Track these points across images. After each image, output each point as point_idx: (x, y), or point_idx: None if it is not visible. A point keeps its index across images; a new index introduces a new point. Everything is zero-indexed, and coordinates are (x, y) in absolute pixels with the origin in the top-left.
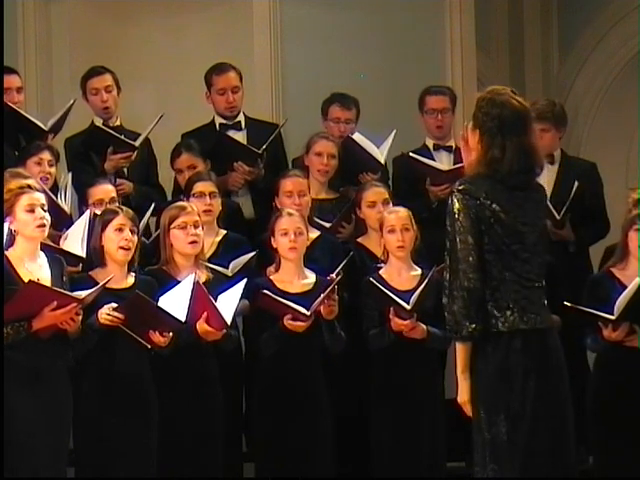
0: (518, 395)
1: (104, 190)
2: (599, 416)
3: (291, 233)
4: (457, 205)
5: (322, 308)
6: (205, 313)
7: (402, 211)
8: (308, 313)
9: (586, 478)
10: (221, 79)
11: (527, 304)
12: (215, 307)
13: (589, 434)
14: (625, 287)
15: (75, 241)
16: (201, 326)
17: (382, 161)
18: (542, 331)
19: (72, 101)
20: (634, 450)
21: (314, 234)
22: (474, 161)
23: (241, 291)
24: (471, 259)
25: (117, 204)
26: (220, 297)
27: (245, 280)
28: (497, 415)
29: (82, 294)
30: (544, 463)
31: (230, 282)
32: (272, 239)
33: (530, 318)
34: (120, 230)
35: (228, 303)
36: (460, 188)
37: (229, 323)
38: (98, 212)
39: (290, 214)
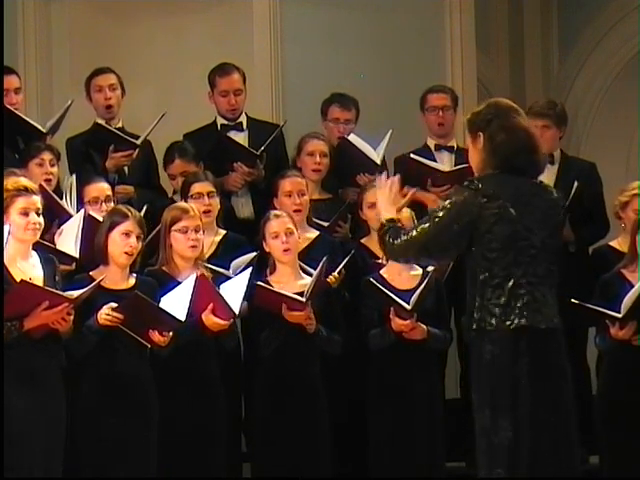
0: (524, 398)
1: (99, 188)
2: (607, 416)
3: (282, 235)
4: (458, 199)
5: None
6: (211, 305)
7: (404, 212)
8: (304, 300)
9: (588, 478)
10: (224, 81)
11: (530, 301)
12: (221, 297)
13: (597, 434)
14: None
15: (69, 240)
16: (207, 318)
17: (378, 162)
18: (546, 331)
19: (70, 102)
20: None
21: (313, 234)
22: (482, 161)
23: (247, 279)
24: (427, 245)
25: (113, 203)
26: (222, 286)
27: (250, 269)
28: (504, 419)
29: (74, 294)
30: (549, 466)
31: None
32: (264, 243)
33: (530, 315)
34: (127, 236)
35: (234, 292)
36: (467, 184)
37: (237, 312)
38: (93, 213)
39: (277, 216)
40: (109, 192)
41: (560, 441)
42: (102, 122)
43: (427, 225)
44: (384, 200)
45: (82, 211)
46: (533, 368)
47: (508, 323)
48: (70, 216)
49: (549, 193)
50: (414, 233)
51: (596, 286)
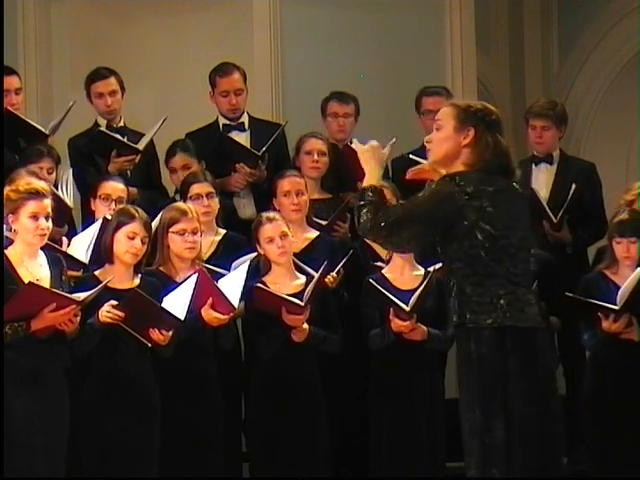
0: (513, 397)
1: (113, 187)
2: (595, 413)
3: (277, 239)
4: (439, 189)
5: (293, 334)
6: (210, 299)
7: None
8: (302, 303)
9: (585, 478)
10: (224, 81)
11: (513, 301)
12: (220, 292)
13: (585, 431)
14: (619, 287)
15: (81, 247)
16: (207, 313)
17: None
18: (530, 330)
19: (71, 103)
20: (629, 448)
21: (313, 234)
22: (469, 161)
23: (245, 274)
24: (401, 228)
25: (125, 204)
26: (221, 281)
27: (247, 263)
28: (495, 418)
29: (81, 296)
30: (538, 464)
31: None
32: (258, 246)
33: (514, 315)
34: (132, 238)
35: (232, 287)
36: (448, 180)
37: (236, 306)
38: (105, 210)
39: (271, 220)
40: (122, 194)
41: (547, 440)
42: (103, 124)
43: (405, 208)
44: (368, 158)
45: (100, 221)
46: (520, 367)
47: (490, 321)
48: (67, 207)
49: (520, 192)
50: (390, 214)
51: (578, 286)
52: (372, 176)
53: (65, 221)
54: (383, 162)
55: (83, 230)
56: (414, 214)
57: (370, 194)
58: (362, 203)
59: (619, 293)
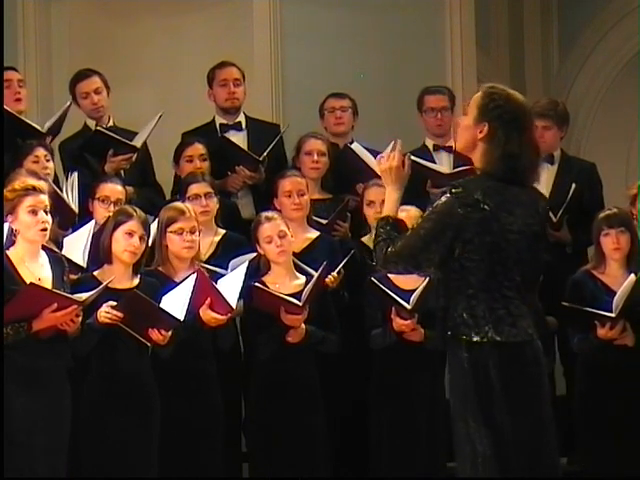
0: (503, 408)
1: (112, 189)
2: (587, 417)
3: (276, 238)
4: (442, 208)
5: (288, 335)
6: (208, 299)
7: (412, 210)
8: (300, 303)
9: (579, 479)
10: (223, 72)
11: (504, 314)
12: (219, 292)
13: (576, 435)
14: (607, 287)
15: (77, 249)
16: (205, 313)
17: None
18: (519, 344)
19: (68, 103)
20: (619, 450)
21: (313, 234)
22: (481, 158)
23: (243, 274)
24: (415, 257)
25: (124, 204)
26: (220, 282)
27: (246, 263)
28: (487, 428)
29: (82, 296)
30: (529, 472)
31: None
32: (257, 246)
33: (505, 330)
34: (130, 235)
35: (231, 287)
36: (452, 190)
37: (234, 307)
38: (104, 212)
39: (269, 219)
40: (121, 196)
41: (539, 451)
42: (92, 125)
43: (412, 238)
44: (386, 178)
45: (92, 222)
46: (509, 380)
47: (482, 335)
48: (71, 211)
49: (533, 202)
50: (401, 249)
51: (566, 286)
52: (388, 203)
53: (70, 225)
54: (402, 182)
55: (74, 231)
56: (420, 240)
57: (383, 229)
58: (378, 239)
59: (614, 300)
